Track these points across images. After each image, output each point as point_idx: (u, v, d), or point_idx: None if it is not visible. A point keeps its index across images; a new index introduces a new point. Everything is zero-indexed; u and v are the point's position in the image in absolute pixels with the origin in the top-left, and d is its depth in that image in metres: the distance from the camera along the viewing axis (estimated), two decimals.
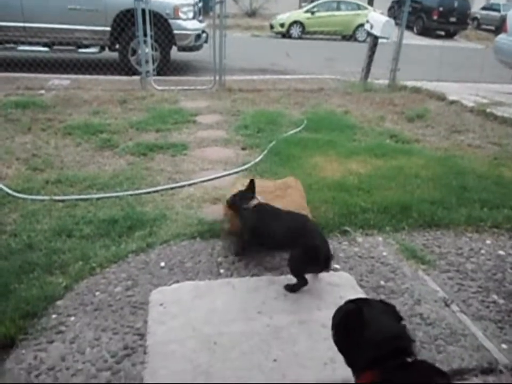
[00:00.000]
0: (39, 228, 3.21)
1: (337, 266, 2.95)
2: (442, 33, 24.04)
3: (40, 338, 2.27)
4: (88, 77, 8.30)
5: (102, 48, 9.03)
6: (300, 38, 19.89)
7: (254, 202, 2.91)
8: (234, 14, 23.88)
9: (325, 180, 4.17)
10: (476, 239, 3.44)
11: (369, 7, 21.41)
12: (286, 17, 20.33)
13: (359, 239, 3.31)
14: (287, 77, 9.70)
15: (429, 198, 3.89)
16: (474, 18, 27.67)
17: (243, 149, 5.08)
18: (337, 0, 20.99)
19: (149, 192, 3.88)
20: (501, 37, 8.91)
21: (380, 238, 3.35)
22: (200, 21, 9.72)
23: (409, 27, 19.53)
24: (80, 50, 8.88)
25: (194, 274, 2.81)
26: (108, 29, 8.55)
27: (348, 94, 8.09)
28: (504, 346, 2.36)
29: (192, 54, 9.85)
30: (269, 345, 2.24)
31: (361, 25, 16.79)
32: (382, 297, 2.64)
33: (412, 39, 19.05)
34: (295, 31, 20.11)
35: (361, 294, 2.62)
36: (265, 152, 4.82)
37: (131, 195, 3.80)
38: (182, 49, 9.33)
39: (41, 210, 3.48)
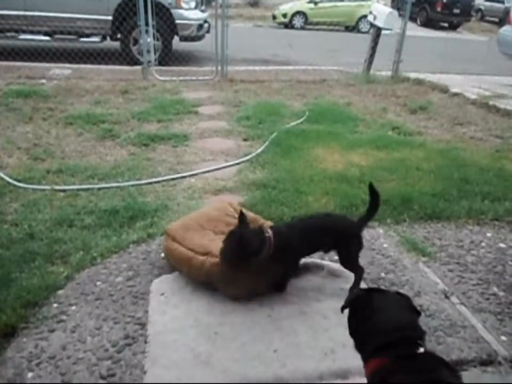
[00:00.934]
0: (40, 218, 3.21)
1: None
2: (446, 24, 23.88)
3: (41, 327, 2.28)
4: (89, 66, 8.28)
5: (104, 38, 8.99)
6: (302, 28, 19.77)
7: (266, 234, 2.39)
8: (237, 3, 23.77)
9: (326, 171, 4.17)
10: (476, 231, 3.44)
11: None
12: (288, 7, 20.20)
13: None
14: (289, 68, 9.66)
15: (430, 190, 3.88)
16: (478, 10, 27.43)
17: (244, 140, 5.06)
18: None
19: (150, 183, 3.88)
20: (505, 29, 8.88)
21: (381, 230, 3.35)
22: (202, 11, 9.67)
23: (412, 18, 19.43)
24: (82, 39, 8.86)
25: None
26: (110, 18, 8.51)
27: (350, 86, 8.06)
28: (503, 338, 2.37)
29: (194, 44, 9.81)
30: (270, 336, 2.25)
31: (365, 16, 16.64)
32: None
33: (415, 30, 18.91)
34: (298, 21, 19.98)
35: (361, 286, 2.62)
36: (267, 143, 4.81)
37: (132, 185, 3.80)
38: (184, 39, 9.29)
39: (43, 200, 3.48)
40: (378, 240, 3.21)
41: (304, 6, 20.24)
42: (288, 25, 19.87)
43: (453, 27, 24.01)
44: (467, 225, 3.51)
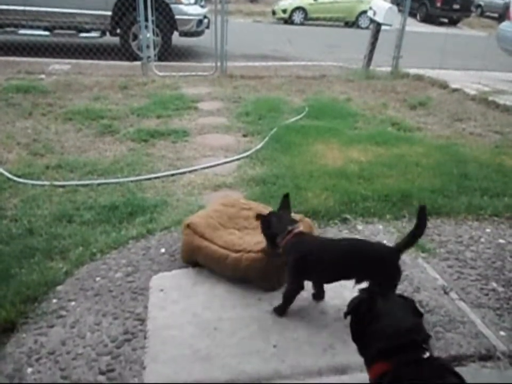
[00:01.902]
0: (40, 213, 3.22)
1: None
2: (446, 20, 23.81)
3: (40, 322, 2.28)
4: (88, 61, 8.25)
5: (103, 33, 8.95)
6: (302, 24, 19.67)
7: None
8: None
9: (326, 167, 4.16)
10: (476, 227, 3.45)
11: None
12: (288, 3, 20.11)
13: (360, 227, 3.31)
14: (289, 63, 9.63)
15: (430, 186, 3.88)
16: (478, 6, 27.33)
17: (244, 135, 5.06)
18: None
19: (149, 179, 3.88)
20: (504, 25, 8.85)
21: (380, 226, 3.35)
22: (202, 6, 9.63)
23: (412, 14, 19.37)
24: (81, 34, 8.81)
25: None
26: (109, 13, 8.47)
27: (350, 81, 8.04)
28: (502, 333, 2.37)
29: (194, 39, 9.78)
30: (269, 331, 2.26)
31: (364, 11, 16.54)
32: None
33: (414, 26, 18.86)
34: (298, 17, 19.90)
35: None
36: (266, 139, 4.80)
37: (132, 181, 3.80)
38: (184, 34, 9.26)
39: (42, 196, 3.48)
40: (378, 236, 3.21)
41: (304, 1, 20.13)
42: (288, 21, 19.79)
43: (452, 23, 23.93)
44: (466, 221, 3.52)
